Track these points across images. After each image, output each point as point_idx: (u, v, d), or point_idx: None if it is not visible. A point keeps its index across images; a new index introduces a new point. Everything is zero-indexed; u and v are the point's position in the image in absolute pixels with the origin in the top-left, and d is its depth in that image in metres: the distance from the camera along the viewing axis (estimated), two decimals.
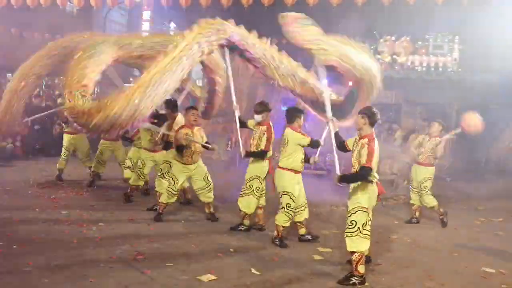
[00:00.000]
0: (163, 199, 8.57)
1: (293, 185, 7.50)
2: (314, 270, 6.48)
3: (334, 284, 6.04)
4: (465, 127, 9.30)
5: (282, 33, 7.35)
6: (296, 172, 7.55)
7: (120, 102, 6.45)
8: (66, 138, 11.79)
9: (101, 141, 11.22)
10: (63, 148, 11.77)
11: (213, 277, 5.95)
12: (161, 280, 5.81)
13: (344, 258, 6.86)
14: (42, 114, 12.79)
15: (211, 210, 8.84)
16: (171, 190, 8.49)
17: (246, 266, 6.41)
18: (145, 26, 30.89)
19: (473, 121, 9.31)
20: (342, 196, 7.43)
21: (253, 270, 6.28)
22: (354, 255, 6.15)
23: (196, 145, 8.46)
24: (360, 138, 6.28)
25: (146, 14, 31.76)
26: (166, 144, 8.96)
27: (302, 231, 7.82)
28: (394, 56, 21.12)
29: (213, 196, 8.79)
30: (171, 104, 9.02)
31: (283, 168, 7.56)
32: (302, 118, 7.72)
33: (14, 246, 6.59)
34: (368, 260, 6.54)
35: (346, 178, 6.37)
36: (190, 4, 14.81)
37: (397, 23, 21.02)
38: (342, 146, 6.65)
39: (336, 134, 6.79)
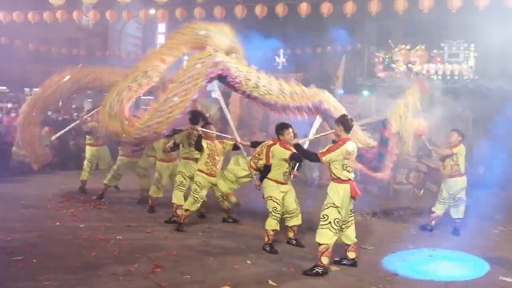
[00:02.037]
0: (187, 205, 8.73)
1: (275, 190, 7.82)
2: (331, 280, 6.47)
3: None
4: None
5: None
6: (278, 183, 7.84)
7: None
8: (89, 150, 11.86)
9: (119, 157, 11.22)
10: (86, 161, 11.85)
11: None
12: None
13: (362, 270, 6.87)
14: (66, 129, 11.75)
15: (230, 214, 9.62)
16: (196, 196, 8.68)
17: (263, 278, 6.43)
18: (160, 39, 31.12)
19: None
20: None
21: (270, 282, 6.29)
22: (320, 247, 6.67)
23: None
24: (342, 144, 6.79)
25: (162, 27, 32.03)
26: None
27: (290, 235, 8.23)
28: (409, 65, 21.02)
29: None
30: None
31: (268, 179, 7.93)
32: (288, 131, 7.82)
33: (34, 260, 6.65)
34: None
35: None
36: (205, 17, 14.96)
37: (412, 32, 20.97)
38: None
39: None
